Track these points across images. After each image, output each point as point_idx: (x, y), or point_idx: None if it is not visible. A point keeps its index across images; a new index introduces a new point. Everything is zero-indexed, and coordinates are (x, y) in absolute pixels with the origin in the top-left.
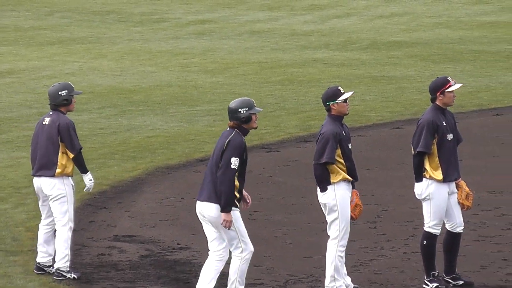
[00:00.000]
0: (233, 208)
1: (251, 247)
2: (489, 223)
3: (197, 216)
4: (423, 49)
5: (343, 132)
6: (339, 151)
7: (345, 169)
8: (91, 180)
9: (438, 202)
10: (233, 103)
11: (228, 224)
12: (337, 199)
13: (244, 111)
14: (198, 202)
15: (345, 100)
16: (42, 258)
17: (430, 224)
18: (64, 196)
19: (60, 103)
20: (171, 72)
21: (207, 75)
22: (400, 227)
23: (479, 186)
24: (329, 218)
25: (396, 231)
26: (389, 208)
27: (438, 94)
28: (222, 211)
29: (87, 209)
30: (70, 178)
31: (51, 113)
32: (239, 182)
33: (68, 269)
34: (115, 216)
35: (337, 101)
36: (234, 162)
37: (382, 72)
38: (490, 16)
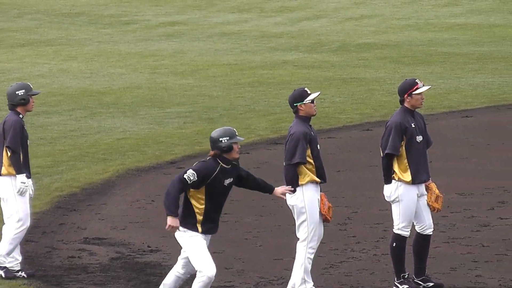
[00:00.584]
0: (193, 232)
1: (208, 272)
2: (458, 225)
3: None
4: (393, 51)
5: (312, 133)
6: (309, 152)
7: (314, 170)
8: (23, 182)
9: (407, 204)
10: (214, 133)
11: (169, 228)
12: (305, 201)
13: (225, 140)
14: None
15: (312, 101)
16: (9, 263)
17: (400, 226)
18: (13, 195)
19: (18, 102)
20: (141, 74)
21: (177, 77)
22: (370, 229)
23: (448, 188)
24: (297, 221)
25: (366, 233)
26: (359, 210)
27: (406, 96)
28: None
29: (57, 212)
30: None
31: (8, 114)
32: (206, 205)
33: (3, 265)
34: (85, 219)
35: (304, 102)
36: (189, 174)
37: (352, 74)
38: (459, 18)
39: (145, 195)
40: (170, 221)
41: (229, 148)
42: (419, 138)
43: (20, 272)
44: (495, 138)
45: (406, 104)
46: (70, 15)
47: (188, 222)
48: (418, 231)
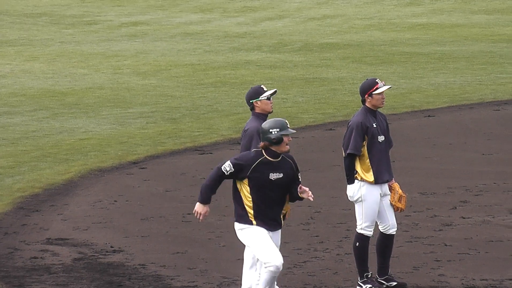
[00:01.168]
0: (248, 225)
1: (274, 262)
2: (421, 224)
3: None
4: (355, 51)
5: None
6: None
7: None
8: None
9: (370, 204)
10: (265, 124)
11: (195, 214)
12: None
13: (275, 132)
14: None
15: (268, 98)
16: None
17: (363, 226)
18: None
19: None
20: (104, 74)
21: (139, 78)
22: (333, 229)
23: (411, 188)
24: None
25: (329, 232)
26: (322, 210)
27: (366, 96)
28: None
29: (19, 212)
30: None
31: None
32: (253, 198)
33: None
34: (47, 219)
35: (260, 99)
36: (225, 165)
37: (315, 74)
38: (421, 18)
39: (107, 196)
40: (197, 207)
41: (279, 140)
42: (381, 138)
43: None
44: (457, 138)
45: (367, 104)
46: (32, 15)
47: (242, 216)
48: (382, 230)
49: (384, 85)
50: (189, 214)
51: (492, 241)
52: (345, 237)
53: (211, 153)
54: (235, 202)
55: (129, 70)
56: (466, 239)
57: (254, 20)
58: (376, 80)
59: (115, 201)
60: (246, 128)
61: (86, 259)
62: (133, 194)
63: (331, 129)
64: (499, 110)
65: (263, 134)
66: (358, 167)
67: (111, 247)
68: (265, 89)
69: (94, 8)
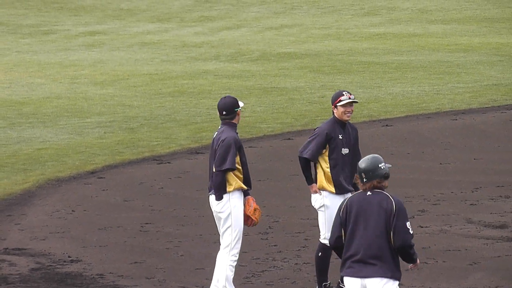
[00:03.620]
0: None
1: None
2: None
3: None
4: (313, 60)
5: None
6: (238, 159)
7: (241, 177)
8: None
9: (332, 214)
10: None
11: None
12: (231, 207)
13: (383, 166)
14: None
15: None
16: None
17: (325, 236)
18: None
19: None
20: (61, 84)
21: (97, 87)
22: (292, 238)
23: None
24: (222, 227)
25: (288, 242)
26: (280, 220)
27: (333, 107)
28: None
29: None
30: None
31: None
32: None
33: None
34: (4, 229)
35: (240, 108)
36: None
37: (273, 83)
38: (378, 28)
39: (65, 205)
40: None
41: (387, 175)
42: (345, 151)
43: None
44: (414, 147)
45: (335, 115)
46: None
47: None
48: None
49: (349, 98)
50: (147, 223)
51: (450, 250)
52: (304, 247)
53: (169, 163)
54: None
55: (87, 80)
56: (424, 248)
57: (211, 30)
58: (343, 92)
59: (73, 211)
60: (222, 138)
61: (44, 269)
62: (91, 204)
63: (289, 139)
64: (456, 119)
65: (372, 172)
66: (320, 177)
67: (69, 257)
68: (237, 100)
69: (51, 18)
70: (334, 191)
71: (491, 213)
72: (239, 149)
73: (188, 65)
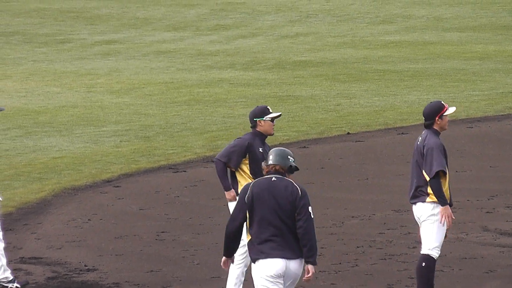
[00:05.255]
0: None
1: None
2: (395, 241)
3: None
4: (328, 68)
5: (260, 149)
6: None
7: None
8: None
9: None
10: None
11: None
12: None
13: (292, 160)
14: None
15: (272, 120)
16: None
17: (431, 247)
18: None
19: None
20: (77, 92)
21: (112, 96)
22: None
23: (385, 205)
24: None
25: None
26: None
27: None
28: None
29: None
30: None
31: None
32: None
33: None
34: (21, 238)
35: (264, 118)
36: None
37: (288, 91)
38: (393, 36)
39: (81, 214)
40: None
41: None
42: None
43: (12, 283)
44: None
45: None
46: (5, 34)
47: None
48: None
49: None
50: (163, 232)
51: (466, 258)
52: (320, 255)
53: (185, 171)
54: None
55: (102, 89)
56: (440, 256)
57: (227, 38)
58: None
59: (89, 219)
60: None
61: (60, 278)
62: (107, 213)
63: (304, 147)
64: (472, 127)
65: None
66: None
67: (85, 266)
68: (270, 110)
69: (67, 27)
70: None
71: (507, 221)
72: (248, 154)
73: (203, 74)
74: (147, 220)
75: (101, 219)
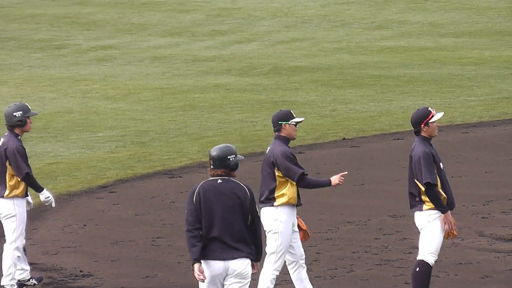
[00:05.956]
0: None
1: None
2: (391, 247)
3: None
4: (324, 74)
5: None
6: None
7: (295, 190)
8: (47, 197)
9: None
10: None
11: None
12: (280, 221)
13: (233, 158)
14: None
15: (295, 124)
16: (20, 275)
17: (426, 252)
18: (13, 216)
19: (15, 124)
20: (72, 98)
21: (108, 101)
22: (304, 251)
23: (380, 210)
24: (268, 240)
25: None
26: None
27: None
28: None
29: None
30: (22, 199)
31: (6, 134)
32: None
33: (14, 286)
34: None
35: (289, 122)
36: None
37: (284, 97)
38: (389, 41)
39: (77, 220)
40: None
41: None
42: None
43: (31, 280)
44: None
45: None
46: (0, 39)
47: None
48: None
49: (296, 117)
50: (158, 238)
51: (462, 263)
52: (315, 260)
53: (180, 177)
54: None
55: (98, 94)
56: (436, 262)
57: (222, 44)
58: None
59: (84, 225)
60: (274, 153)
61: (56, 283)
62: (103, 218)
63: (300, 152)
64: (467, 133)
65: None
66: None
67: (81, 271)
68: (294, 114)
69: (63, 32)
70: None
71: (502, 226)
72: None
73: (199, 79)
74: (142, 225)
75: (96, 225)
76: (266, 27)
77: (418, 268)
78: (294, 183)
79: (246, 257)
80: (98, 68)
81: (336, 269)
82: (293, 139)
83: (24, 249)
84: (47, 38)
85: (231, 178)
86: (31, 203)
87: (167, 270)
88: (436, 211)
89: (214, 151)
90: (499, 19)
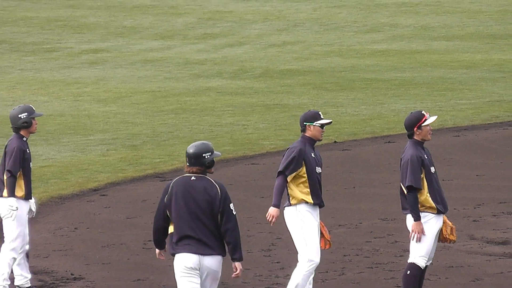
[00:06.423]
0: None
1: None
2: (382, 250)
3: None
4: (316, 77)
5: (312, 155)
6: (303, 170)
7: (308, 190)
8: (11, 206)
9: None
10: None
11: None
12: (301, 219)
13: (208, 156)
14: None
15: (322, 126)
16: (19, 281)
17: (417, 255)
18: (12, 216)
19: (20, 125)
20: (64, 101)
21: (100, 105)
22: (295, 255)
23: (372, 214)
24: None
25: (291, 259)
26: (283, 236)
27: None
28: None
29: None
30: (23, 201)
31: (11, 137)
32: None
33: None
34: None
35: (314, 124)
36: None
37: (275, 100)
38: (381, 45)
39: (68, 223)
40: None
41: (212, 164)
42: (318, 170)
43: None
44: None
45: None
46: None
47: None
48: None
49: (323, 118)
50: (149, 241)
51: (453, 266)
52: None
53: (172, 180)
54: None
55: (90, 97)
56: (427, 265)
57: (214, 47)
58: (319, 113)
59: (75, 228)
60: (291, 146)
61: (47, 286)
62: (94, 221)
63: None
64: (459, 136)
65: (196, 158)
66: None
67: (72, 274)
68: (321, 116)
69: (54, 36)
70: (436, 212)
71: (493, 230)
72: (305, 163)
73: (191, 82)
74: (134, 228)
75: (88, 228)
76: (257, 30)
77: (408, 271)
78: (301, 182)
79: (219, 254)
80: (89, 71)
81: (327, 272)
82: (319, 140)
83: (27, 255)
84: (38, 41)
85: (206, 176)
86: (33, 211)
87: (158, 273)
88: (426, 214)
89: (190, 148)
90: (490, 22)
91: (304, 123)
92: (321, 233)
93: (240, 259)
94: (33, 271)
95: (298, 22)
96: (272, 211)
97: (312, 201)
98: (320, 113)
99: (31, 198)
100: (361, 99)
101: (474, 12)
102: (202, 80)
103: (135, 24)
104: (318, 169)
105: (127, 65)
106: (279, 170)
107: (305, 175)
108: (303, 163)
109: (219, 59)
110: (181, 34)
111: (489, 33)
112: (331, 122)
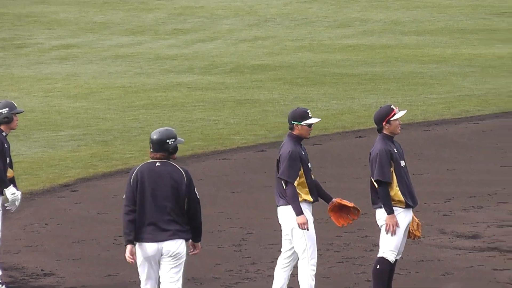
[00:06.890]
0: None
1: None
2: (352, 244)
3: None
4: (287, 72)
5: (303, 152)
6: (301, 169)
7: (307, 189)
8: (13, 193)
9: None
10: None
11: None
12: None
13: (172, 142)
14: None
15: (309, 125)
16: None
17: (386, 250)
18: None
19: (1, 121)
20: (34, 97)
21: (70, 100)
22: (265, 250)
23: None
24: (293, 239)
25: (261, 254)
26: (254, 231)
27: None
28: None
29: None
30: None
31: None
32: None
33: None
34: None
35: (302, 123)
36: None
37: (246, 95)
38: (351, 40)
39: (38, 219)
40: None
41: (176, 149)
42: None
43: (1, 285)
44: None
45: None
46: None
47: None
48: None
49: (312, 117)
50: (120, 236)
51: (423, 261)
52: (277, 258)
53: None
54: None
55: (60, 93)
56: (396, 259)
57: (185, 42)
58: (307, 111)
59: (46, 224)
60: (281, 152)
61: (17, 283)
62: (65, 217)
63: (262, 151)
64: (429, 130)
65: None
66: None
67: (42, 270)
68: (310, 115)
69: (25, 31)
70: (405, 206)
71: (463, 224)
72: (301, 162)
73: (161, 78)
74: (104, 224)
75: (58, 224)
76: (228, 25)
77: (378, 266)
78: (300, 181)
79: (179, 237)
80: (60, 67)
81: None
82: (306, 138)
83: None
84: (9, 37)
85: (170, 161)
86: (14, 204)
87: (129, 268)
88: (396, 208)
89: (154, 135)
90: (460, 17)
91: (292, 122)
92: (344, 207)
93: (199, 240)
94: (3, 267)
95: (269, 17)
96: (301, 219)
97: (312, 199)
98: (308, 111)
99: (2, 194)
100: (331, 94)
101: (444, 7)
102: (173, 75)
103: (106, 19)
104: (309, 165)
105: (97, 60)
106: (285, 179)
107: (303, 175)
108: (300, 164)
109: (190, 55)
110: (151, 29)
111: (460, 28)
112: (319, 120)
